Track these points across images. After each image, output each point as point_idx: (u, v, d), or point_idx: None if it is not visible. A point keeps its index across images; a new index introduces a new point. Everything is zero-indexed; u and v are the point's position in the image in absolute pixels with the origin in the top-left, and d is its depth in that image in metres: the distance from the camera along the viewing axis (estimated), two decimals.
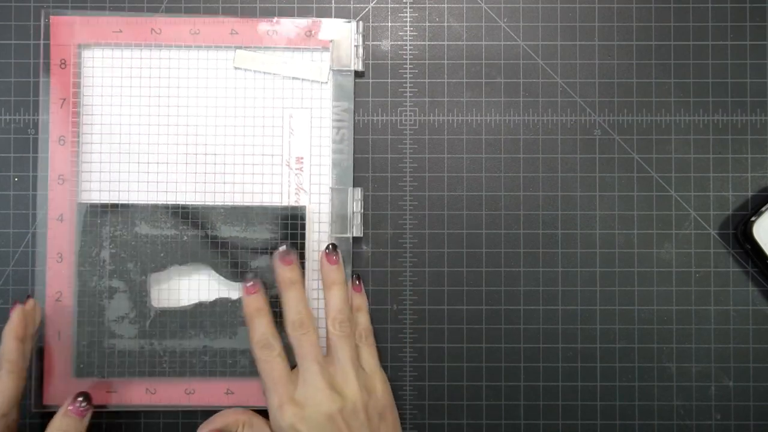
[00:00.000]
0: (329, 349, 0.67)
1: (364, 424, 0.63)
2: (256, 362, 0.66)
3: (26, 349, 0.65)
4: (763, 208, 0.70)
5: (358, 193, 0.71)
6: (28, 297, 0.69)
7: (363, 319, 0.70)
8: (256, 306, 0.67)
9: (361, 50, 0.71)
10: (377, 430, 0.64)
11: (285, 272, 0.68)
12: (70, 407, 0.64)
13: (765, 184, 0.72)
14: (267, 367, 0.65)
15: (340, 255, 0.70)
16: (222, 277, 0.71)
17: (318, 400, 0.63)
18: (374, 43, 0.72)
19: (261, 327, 0.66)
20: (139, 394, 0.70)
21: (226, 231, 0.71)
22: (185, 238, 0.71)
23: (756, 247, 0.70)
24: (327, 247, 0.69)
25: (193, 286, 0.72)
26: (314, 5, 0.72)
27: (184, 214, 0.71)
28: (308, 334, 0.66)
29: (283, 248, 0.68)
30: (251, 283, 0.68)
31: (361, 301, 0.70)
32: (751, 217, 0.70)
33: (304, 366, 0.65)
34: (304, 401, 0.63)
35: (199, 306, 0.71)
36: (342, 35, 0.71)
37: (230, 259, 0.71)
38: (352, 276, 0.70)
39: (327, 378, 0.64)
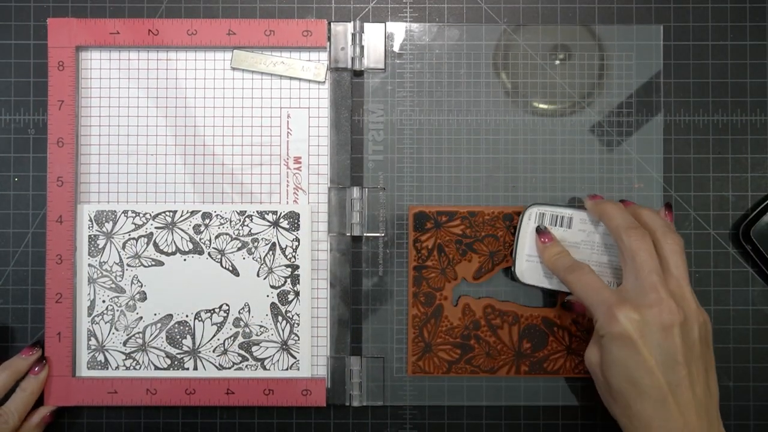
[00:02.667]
0: (662, 262, 0.61)
1: (696, 345, 0.59)
2: (571, 288, 0.64)
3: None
4: (761, 210, 0.70)
5: (357, 192, 0.70)
6: (44, 364, 0.69)
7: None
8: (554, 251, 0.67)
9: (358, 50, 0.70)
10: (704, 356, 0.60)
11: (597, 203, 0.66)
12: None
13: (765, 184, 0.71)
14: (582, 282, 0.63)
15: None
16: (223, 278, 0.70)
17: (659, 309, 0.58)
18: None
19: (564, 259, 0.66)
20: (139, 394, 0.69)
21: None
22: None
23: (755, 247, 0.69)
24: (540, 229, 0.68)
25: (194, 289, 0.71)
26: (314, 5, 0.72)
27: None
28: (644, 239, 0.61)
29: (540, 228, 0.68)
30: (545, 236, 0.67)
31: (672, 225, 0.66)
32: (750, 217, 0.70)
33: (641, 275, 0.60)
34: (640, 307, 0.59)
35: (200, 306, 0.71)
36: (339, 35, 0.70)
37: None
38: (665, 205, 0.67)
39: (667, 288, 0.59)
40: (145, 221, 0.70)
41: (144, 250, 0.70)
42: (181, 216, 0.70)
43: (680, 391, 0.57)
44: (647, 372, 0.57)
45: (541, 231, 0.67)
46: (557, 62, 0.71)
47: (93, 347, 0.70)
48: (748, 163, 0.71)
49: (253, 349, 0.70)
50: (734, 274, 0.72)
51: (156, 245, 0.70)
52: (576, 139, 0.71)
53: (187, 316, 0.70)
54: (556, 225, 0.68)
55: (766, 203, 0.70)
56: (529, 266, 0.68)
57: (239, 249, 0.70)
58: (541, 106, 0.71)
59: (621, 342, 0.58)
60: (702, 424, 0.57)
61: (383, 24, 0.71)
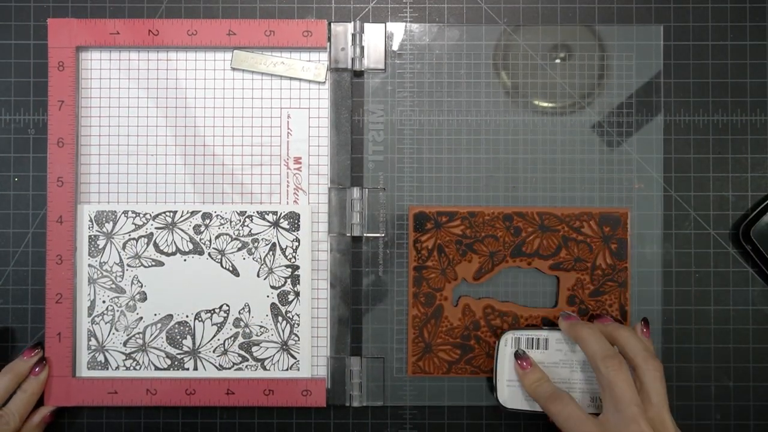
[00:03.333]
0: (642, 387, 0.61)
1: None
2: (553, 419, 0.63)
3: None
4: (761, 210, 0.69)
5: (357, 192, 0.69)
6: (44, 365, 0.69)
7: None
8: (534, 377, 0.66)
9: (358, 50, 0.70)
10: None
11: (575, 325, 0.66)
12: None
13: (765, 184, 0.71)
14: (564, 414, 0.63)
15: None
16: (223, 278, 0.70)
17: None
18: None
19: (544, 386, 0.66)
20: (139, 394, 0.69)
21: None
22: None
23: (755, 247, 0.69)
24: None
25: (194, 289, 0.70)
26: (314, 5, 0.71)
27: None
28: (621, 369, 0.61)
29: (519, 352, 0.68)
30: (524, 360, 0.67)
31: (650, 345, 0.66)
32: (750, 217, 0.69)
33: (621, 407, 0.60)
34: None
35: (200, 306, 0.70)
36: (339, 35, 0.70)
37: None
38: (642, 321, 0.67)
39: (646, 419, 0.60)
40: (146, 221, 0.70)
41: (144, 251, 0.70)
42: (182, 216, 0.70)
43: None
44: None
45: (519, 356, 0.67)
46: (557, 61, 0.71)
47: (93, 347, 0.70)
48: (748, 163, 0.71)
49: (253, 349, 0.70)
50: (734, 274, 0.71)
51: (156, 245, 0.70)
52: (576, 139, 0.71)
53: (187, 316, 0.70)
54: (533, 348, 0.68)
55: (766, 203, 0.70)
56: (510, 391, 0.68)
57: (239, 249, 0.70)
58: (541, 105, 0.71)
59: None
60: None
61: (383, 24, 0.70)
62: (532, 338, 0.68)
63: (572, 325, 0.65)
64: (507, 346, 0.68)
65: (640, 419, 0.59)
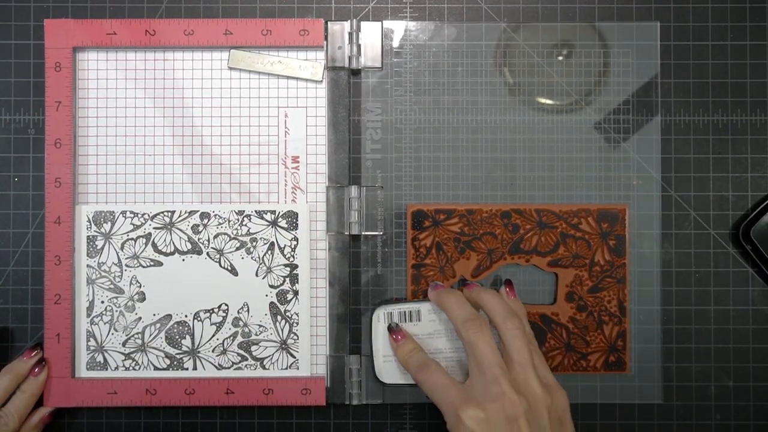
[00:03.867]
0: (504, 348, 0.61)
1: (546, 429, 0.58)
2: (422, 387, 0.63)
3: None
4: (761, 210, 0.69)
5: (355, 191, 0.69)
6: (44, 366, 0.68)
7: (527, 326, 0.64)
8: (407, 348, 0.66)
9: (355, 49, 0.69)
10: None
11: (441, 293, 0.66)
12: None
13: (765, 184, 0.71)
14: (430, 382, 0.62)
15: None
16: (221, 278, 0.70)
17: (501, 403, 0.57)
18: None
19: (415, 356, 0.65)
20: (138, 394, 0.68)
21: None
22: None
23: (755, 247, 0.69)
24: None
25: (193, 289, 0.70)
26: (314, 5, 0.71)
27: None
28: (481, 330, 0.61)
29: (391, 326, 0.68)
30: (397, 333, 0.67)
31: (517, 306, 0.66)
32: (750, 217, 0.69)
33: (483, 369, 0.59)
34: (483, 403, 0.58)
35: (199, 306, 0.70)
36: (336, 34, 0.69)
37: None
38: (505, 282, 0.67)
39: (509, 379, 0.59)
40: (144, 221, 0.69)
41: (142, 251, 0.69)
42: (180, 216, 0.69)
43: None
44: None
45: (392, 329, 0.67)
46: (560, 58, 0.71)
47: (92, 348, 0.69)
48: (748, 163, 0.71)
49: (253, 348, 0.70)
50: (734, 274, 0.71)
51: (154, 245, 0.69)
52: (575, 138, 0.70)
53: (186, 316, 0.70)
54: (405, 321, 0.67)
55: (766, 203, 0.69)
56: (387, 366, 0.68)
57: (238, 249, 0.70)
58: (541, 104, 0.70)
59: None
60: None
61: (380, 22, 0.70)
62: (404, 311, 0.68)
63: (438, 294, 0.65)
64: (380, 321, 0.68)
65: (501, 380, 0.58)
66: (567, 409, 0.60)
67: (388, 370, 0.68)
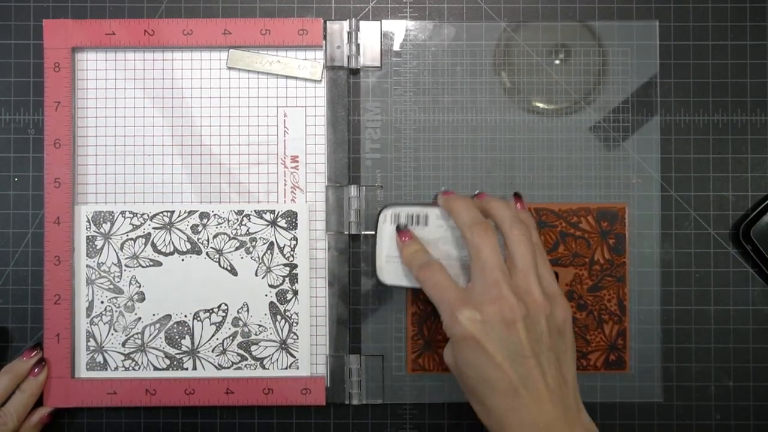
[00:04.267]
0: (509, 254, 0.60)
1: (544, 337, 0.57)
2: (422, 286, 0.61)
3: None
4: (760, 210, 0.69)
5: (354, 190, 0.69)
6: (44, 366, 0.68)
7: (535, 236, 0.62)
8: (412, 248, 0.64)
9: (354, 48, 0.69)
10: (554, 346, 0.58)
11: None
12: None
13: (765, 184, 0.70)
14: (431, 281, 0.60)
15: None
16: (221, 277, 0.70)
17: (499, 306, 0.56)
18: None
19: (419, 256, 0.63)
20: (138, 394, 0.68)
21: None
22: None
23: (755, 247, 0.69)
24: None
25: (192, 288, 0.70)
26: (314, 5, 0.71)
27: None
28: (487, 234, 0.59)
29: (399, 225, 0.66)
30: (405, 234, 0.65)
31: (526, 216, 0.63)
32: (750, 217, 0.69)
33: (485, 272, 0.58)
34: (481, 305, 0.57)
35: (199, 306, 0.70)
36: (335, 33, 0.69)
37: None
38: (514, 195, 0.66)
39: (509, 284, 0.57)
40: (143, 222, 0.69)
41: (142, 251, 0.69)
42: (179, 216, 0.69)
43: (531, 382, 0.55)
44: (495, 368, 0.56)
45: (400, 229, 0.65)
46: (557, 61, 0.70)
47: (92, 348, 0.69)
48: (748, 163, 0.71)
49: (252, 348, 0.69)
50: (734, 274, 0.71)
51: (154, 245, 0.69)
52: (575, 138, 0.70)
53: (185, 316, 0.69)
54: (413, 224, 0.66)
55: (766, 203, 0.69)
56: (389, 267, 0.66)
57: (237, 248, 0.69)
58: (540, 105, 0.70)
59: (465, 342, 0.57)
60: (557, 411, 0.55)
61: (379, 22, 0.70)
62: (412, 214, 0.66)
63: (447, 199, 0.63)
64: (386, 222, 0.66)
65: (501, 283, 0.57)
66: (568, 322, 0.59)
67: (390, 271, 0.66)
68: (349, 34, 0.69)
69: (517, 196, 0.65)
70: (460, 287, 0.59)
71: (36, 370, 0.67)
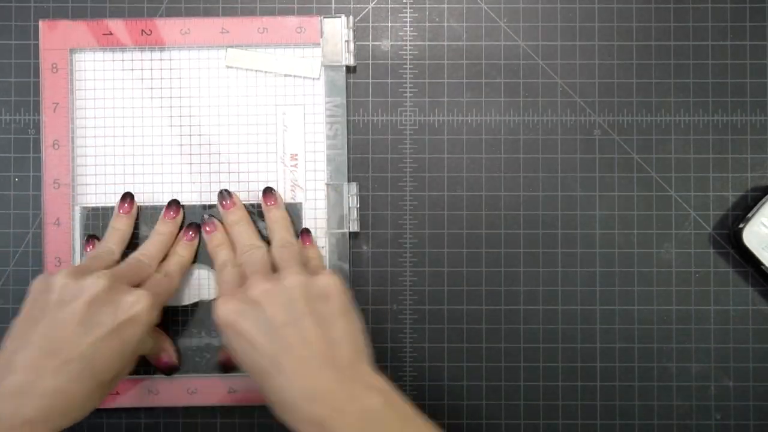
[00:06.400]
0: (277, 268, 0.61)
1: (298, 304, 0.55)
2: (217, 284, 0.64)
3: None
4: (750, 214, 0.67)
5: (354, 188, 0.68)
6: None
7: (314, 254, 0.67)
8: (216, 242, 0.66)
9: (352, 45, 0.68)
10: (316, 311, 0.56)
11: (228, 215, 0.66)
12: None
13: (764, 184, 0.69)
14: (221, 277, 0.63)
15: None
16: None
17: (251, 290, 0.57)
18: (374, 43, 0.70)
19: (222, 255, 0.65)
20: (141, 394, 0.67)
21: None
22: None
23: (748, 252, 0.67)
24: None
25: (193, 284, 0.69)
26: (314, 5, 0.70)
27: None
28: (258, 249, 0.63)
29: (220, 193, 0.67)
30: (209, 224, 0.67)
31: (313, 252, 0.67)
32: (739, 223, 0.67)
33: (250, 275, 0.59)
34: (242, 296, 0.57)
35: (201, 304, 0.69)
36: (332, 31, 0.68)
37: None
38: (302, 231, 0.68)
39: (268, 277, 0.58)
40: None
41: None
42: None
43: (293, 350, 0.54)
44: (253, 346, 0.55)
45: (204, 221, 0.68)
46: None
47: None
48: (748, 163, 0.70)
49: None
50: (734, 274, 0.70)
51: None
52: (576, 139, 0.69)
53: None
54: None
55: (753, 209, 0.68)
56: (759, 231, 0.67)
57: None
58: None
59: (226, 331, 0.56)
60: (328, 374, 0.53)
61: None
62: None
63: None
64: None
65: (249, 274, 0.60)
66: (332, 287, 0.58)
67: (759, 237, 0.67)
68: (347, 31, 0.68)
69: (306, 232, 0.68)
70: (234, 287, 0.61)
71: (191, 233, 0.67)
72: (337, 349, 0.54)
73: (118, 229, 0.66)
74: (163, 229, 0.66)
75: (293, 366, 0.53)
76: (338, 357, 0.54)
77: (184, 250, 0.66)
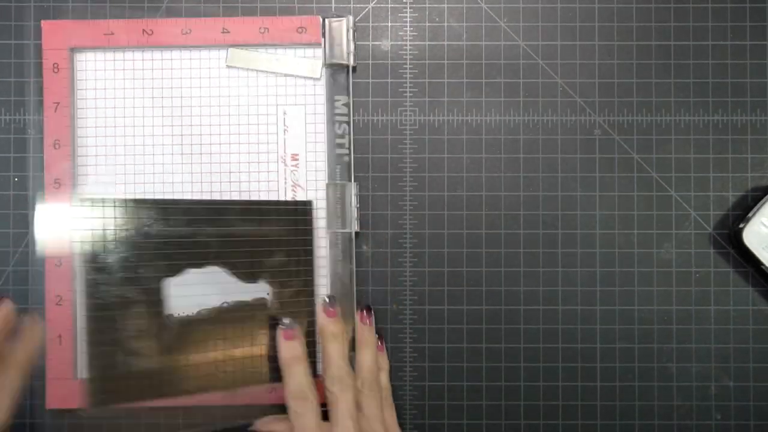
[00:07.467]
0: (358, 405, 0.62)
1: None
2: (288, 411, 0.61)
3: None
4: (750, 214, 0.67)
5: (355, 188, 0.68)
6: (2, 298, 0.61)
7: (385, 380, 0.66)
8: (293, 354, 0.63)
9: (353, 45, 0.68)
10: None
11: (329, 325, 0.64)
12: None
13: (764, 184, 0.69)
14: (301, 420, 0.60)
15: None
16: (236, 280, 0.67)
17: None
18: (374, 43, 0.69)
19: (297, 376, 0.62)
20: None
21: (240, 228, 0.67)
22: (198, 238, 0.66)
23: (748, 252, 0.67)
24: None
25: (194, 286, 0.67)
26: (314, 5, 0.69)
27: (194, 212, 0.66)
28: (347, 391, 0.61)
29: (326, 299, 0.65)
30: (289, 329, 0.64)
31: (383, 361, 0.67)
32: (740, 223, 0.67)
33: (339, 421, 0.60)
34: None
35: (220, 312, 0.67)
36: (334, 31, 0.68)
37: (243, 259, 0.67)
38: (377, 335, 0.67)
39: None
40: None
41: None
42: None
43: None
44: None
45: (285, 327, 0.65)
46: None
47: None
48: (748, 163, 0.69)
49: None
50: (734, 274, 0.69)
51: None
52: (576, 139, 0.69)
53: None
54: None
55: (753, 209, 0.67)
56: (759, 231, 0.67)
57: None
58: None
59: None
60: None
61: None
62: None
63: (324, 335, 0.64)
64: None
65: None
66: None
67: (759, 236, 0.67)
68: (348, 31, 0.68)
69: (380, 339, 0.68)
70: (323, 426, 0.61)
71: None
72: None
73: None
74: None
75: None
76: None
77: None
